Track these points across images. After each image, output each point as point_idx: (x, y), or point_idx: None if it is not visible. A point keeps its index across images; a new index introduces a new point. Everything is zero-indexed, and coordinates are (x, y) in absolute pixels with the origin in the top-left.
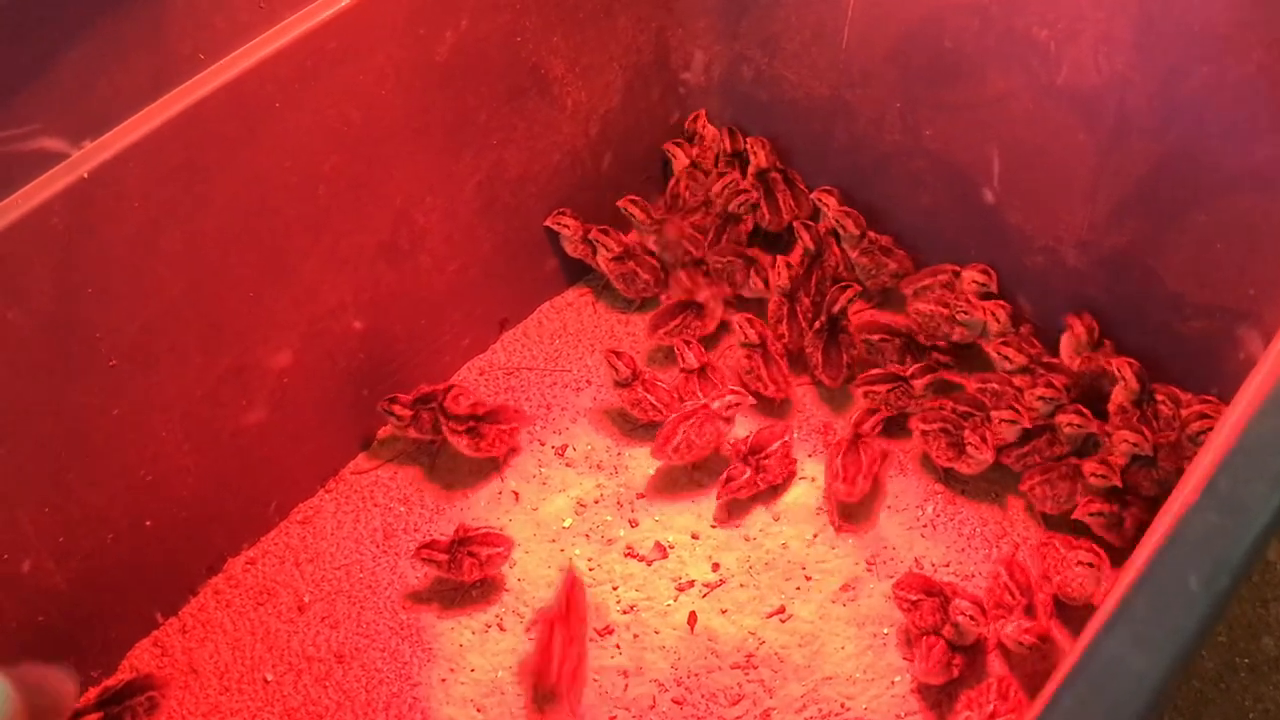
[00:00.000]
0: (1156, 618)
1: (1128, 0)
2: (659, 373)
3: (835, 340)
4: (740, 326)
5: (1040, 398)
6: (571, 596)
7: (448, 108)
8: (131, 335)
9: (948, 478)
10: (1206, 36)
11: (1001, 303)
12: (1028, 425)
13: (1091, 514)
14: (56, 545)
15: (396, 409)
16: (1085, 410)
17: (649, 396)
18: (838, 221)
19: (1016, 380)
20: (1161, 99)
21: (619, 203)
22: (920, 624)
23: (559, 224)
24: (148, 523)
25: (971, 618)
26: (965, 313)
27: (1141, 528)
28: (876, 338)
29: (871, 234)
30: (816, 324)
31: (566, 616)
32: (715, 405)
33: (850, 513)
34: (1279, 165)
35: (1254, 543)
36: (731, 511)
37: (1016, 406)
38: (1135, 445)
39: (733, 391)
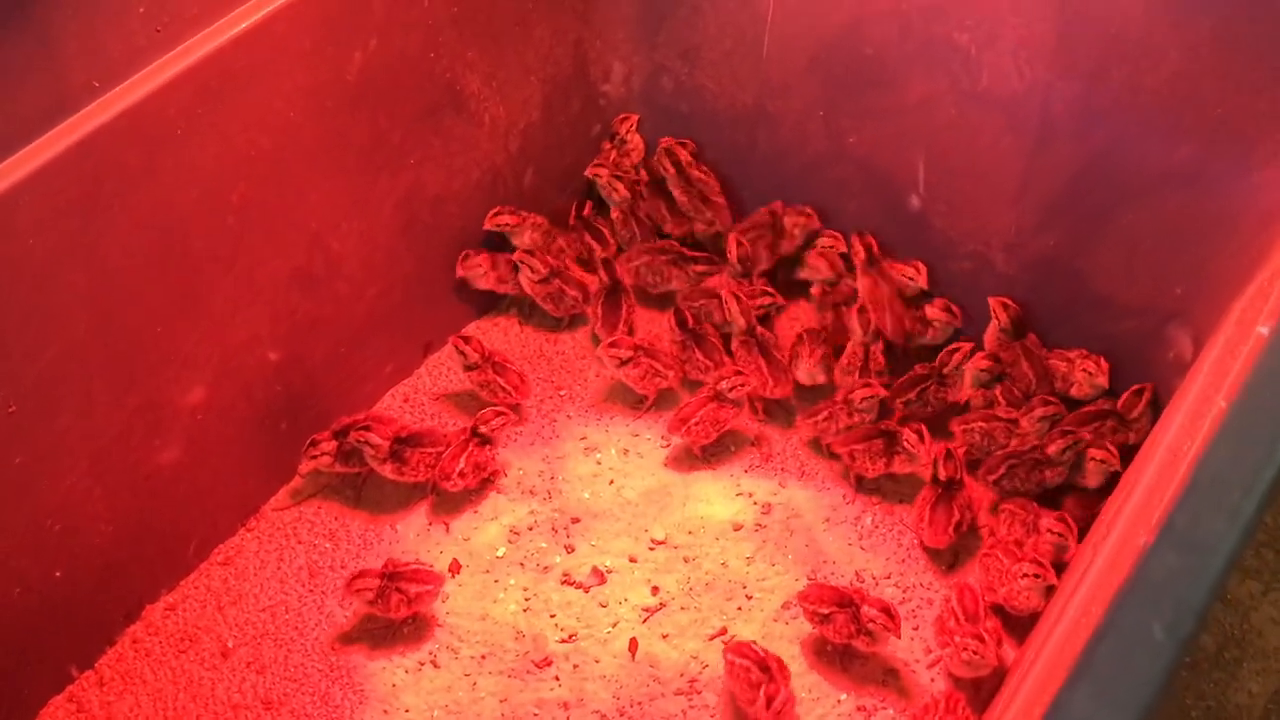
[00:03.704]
0: (1121, 672)
1: (1045, 4)
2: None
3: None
4: (461, 350)
5: (1041, 418)
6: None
7: (361, 128)
8: (32, 379)
9: (884, 487)
10: (1123, 40)
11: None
12: (1118, 468)
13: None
14: None
15: (322, 447)
16: (1112, 449)
17: (499, 379)
18: (669, 152)
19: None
20: (1083, 102)
21: (486, 224)
22: (835, 637)
23: (466, 268)
24: (58, 573)
25: (883, 626)
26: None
27: None
28: None
29: (698, 175)
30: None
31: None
32: (721, 386)
33: (791, 528)
34: (1199, 165)
35: (1216, 582)
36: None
37: (1109, 446)
38: (1104, 462)
39: (736, 373)
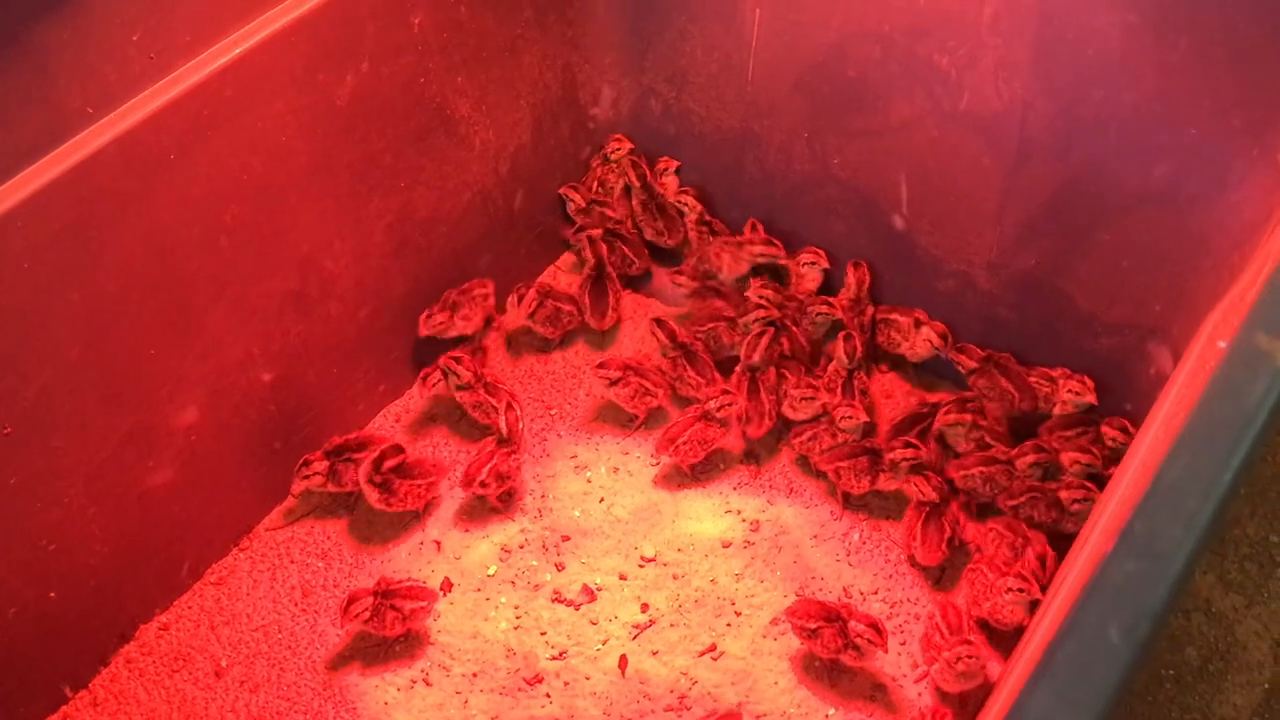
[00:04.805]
0: (1079, 674)
1: (1024, 26)
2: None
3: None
4: (453, 371)
5: (1033, 464)
6: None
7: (352, 152)
8: (28, 400)
9: (871, 503)
10: (1100, 61)
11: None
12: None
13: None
14: None
15: (314, 467)
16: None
17: (490, 399)
18: (634, 165)
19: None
20: (1061, 122)
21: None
22: (823, 652)
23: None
24: (52, 593)
25: (870, 640)
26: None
27: None
28: None
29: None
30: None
31: None
32: (710, 405)
33: (780, 545)
34: (1177, 183)
35: (1172, 588)
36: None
37: (1092, 449)
38: (1088, 465)
39: (724, 392)
